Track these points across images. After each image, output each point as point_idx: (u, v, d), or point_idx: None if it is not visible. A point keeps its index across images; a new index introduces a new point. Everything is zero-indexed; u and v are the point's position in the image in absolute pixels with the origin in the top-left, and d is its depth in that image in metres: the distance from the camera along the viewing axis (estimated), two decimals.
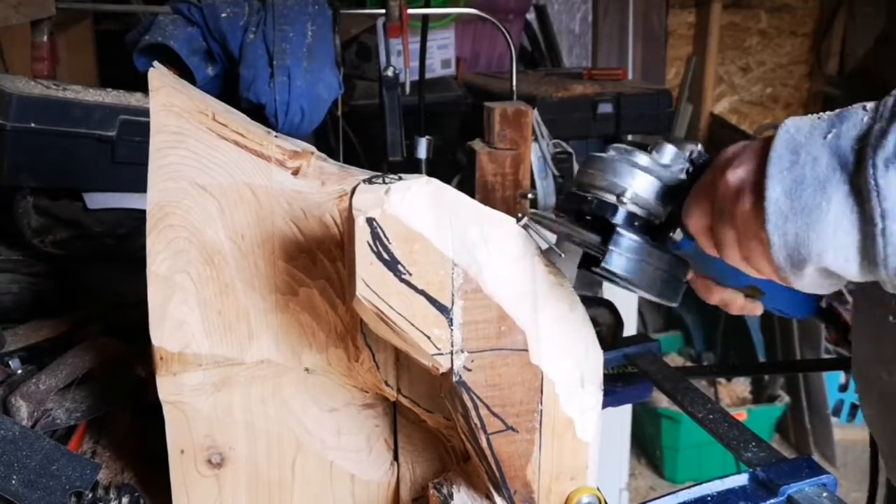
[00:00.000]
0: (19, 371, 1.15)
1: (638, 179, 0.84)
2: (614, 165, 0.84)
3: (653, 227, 0.86)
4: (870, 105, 0.69)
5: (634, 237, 0.83)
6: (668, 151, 0.86)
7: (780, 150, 0.70)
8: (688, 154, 0.87)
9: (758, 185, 0.71)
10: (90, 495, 0.97)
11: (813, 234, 0.68)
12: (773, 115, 4.41)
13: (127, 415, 1.12)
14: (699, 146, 0.88)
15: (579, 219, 0.87)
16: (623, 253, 0.82)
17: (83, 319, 1.30)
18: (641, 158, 0.85)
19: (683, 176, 0.86)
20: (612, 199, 0.84)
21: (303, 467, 0.94)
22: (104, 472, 1.02)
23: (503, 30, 2.25)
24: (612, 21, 3.81)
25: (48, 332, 1.26)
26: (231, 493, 0.93)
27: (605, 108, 2.53)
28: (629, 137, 2.62)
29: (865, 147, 0.66)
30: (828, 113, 0.72)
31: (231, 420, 0.91)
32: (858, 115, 0.69)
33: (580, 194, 0.86)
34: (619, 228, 0.82)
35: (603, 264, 0.82)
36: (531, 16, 3.44)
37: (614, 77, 2.84)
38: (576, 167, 2.07)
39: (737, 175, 0.73)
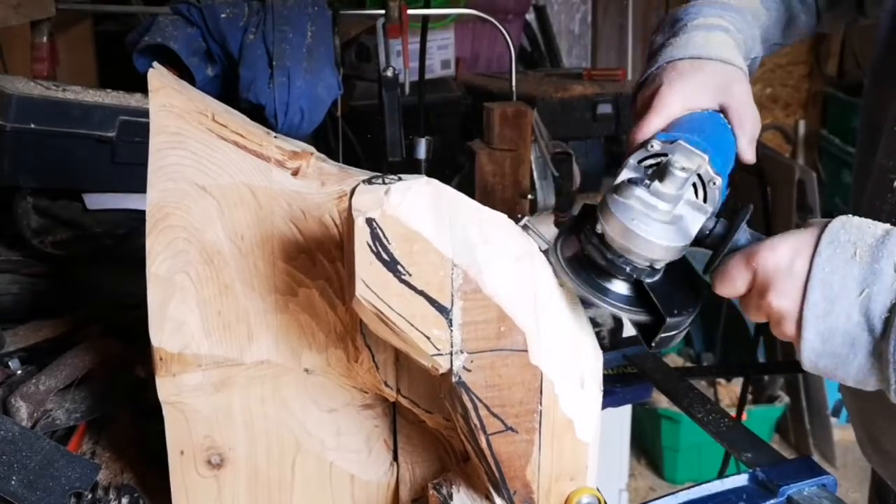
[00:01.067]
0: (19, 371, 1.15)
1: (660, 251, 0.85)
2: (636, 236, 0.84)
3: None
4: None
5: (681, 319, 0.87)
6: (677, 180, 0.86)
7: (817, 297, 0.80)
8: (695, 168, 0.88)
9: (798, 324, 0.82)
10: (90, 496, 0.97)
11: (839, 372, 0.82)
12: (773, 115, 4.41)
13: (126, 415, 1.12)
14: (706, 158, 0.89)
15: (585, 260, 0.88)
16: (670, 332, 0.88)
17: (83, 320, 1.30)
18: (657, 212, 0.85)
19: (696, 208, 0.88)
20: (644, 265, 0.87)
21: (302, 468, 0.94)
22: (104, 473, 1.02)
23: (503, 30, 2.25)
24: (612, 21, 3.81)
25: (48, 333, 1.26)
26: (231, 494, 0.93)
27: (605, 108, 2.52)
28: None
29: (891, 323, 0.77)
30: (860, 249, 0.80)
31: (231, 421, 0.91)
32: (889, 280, 0.78)
33: (610, 258, 0.86)
34: (669, 321, 0.86)
35: (658, 346, 0.89)
36: (531, 16, 3.44)
37: (614, 77, 2.84)
38: (575, 168, 2.06)
39: (781, 305, 0.83)
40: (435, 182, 0.79)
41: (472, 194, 1.06)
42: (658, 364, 1.26)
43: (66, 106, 1.55)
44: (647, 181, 0.86)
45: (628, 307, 0.88)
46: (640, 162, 0.91)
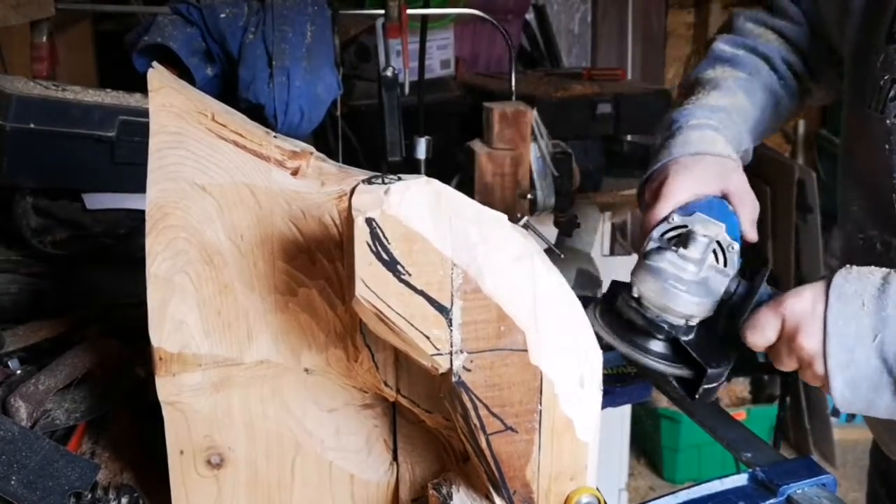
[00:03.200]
0: (18, 371, 1.15)
1: (694, 306, 0.96)
2: (672, 294, 0.95)
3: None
4: None
5: (720, 370, 0.97)
6: (700, 245, 0.98)
7: (836, 349, 0.90)
8: (714, 236, 1.00)
9: (826, 372, 0.91)
10: (89, 496, 0.96)
11: (872, 412, 0.92)
12: None
13: (126, 415, 1.12)
14: (723, 227, 1.01)
15: (626, 322, 0.99)
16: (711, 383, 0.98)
17: (83, 319, 1.30)
18: (687, 273, 0.96)
19: (719, 272, 0.99)
20: (680, 322, 0.97)
21: (302, 468, 0.94)
22: (103, 473, 1.02)
23: (502, 30, 2.25)
24: (612, 21, 3.81)
25: (47, 333, 1.26)
26: (230, 494, 0.93)
27: (605, 108, 2.53)
28: (628, 138, 2.62)
29: None
30: (865, 299, 0.89)
31: (230, 420, 0.91)
32: None
33: (650, 318, 0.97)
34: (710, 372, 0.96)
35: (701, 399, 0.99)
36: (530, 16, 3.44)
37: (613, 77, 2.84)
38: (575, 167, 2.07)
39: (811, 345, 0.92)
40: (435, 182, 0.79)
41: (472, 194, 1.07)
42: None
43: (66, 106, 1.55)
44: (674, 248, 0.97)
45: (671, 364, 0.97)
46: (662, 235, 1.03)
